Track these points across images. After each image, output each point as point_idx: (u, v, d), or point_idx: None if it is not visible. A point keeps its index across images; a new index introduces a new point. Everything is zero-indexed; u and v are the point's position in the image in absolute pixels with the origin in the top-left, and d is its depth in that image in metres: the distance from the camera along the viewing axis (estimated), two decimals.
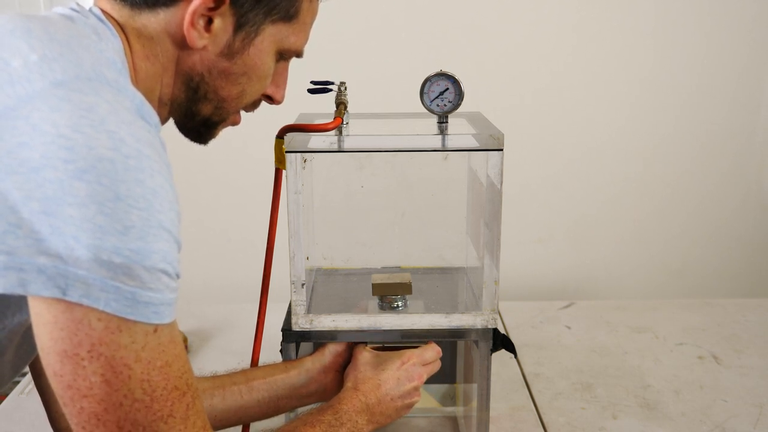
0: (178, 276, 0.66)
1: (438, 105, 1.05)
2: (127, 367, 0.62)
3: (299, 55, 0.87)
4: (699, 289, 2.25)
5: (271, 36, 0.81)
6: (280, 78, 0.88)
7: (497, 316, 1.04)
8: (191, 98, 0.82)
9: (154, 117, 0.68)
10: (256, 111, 0.90)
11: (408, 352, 1.02)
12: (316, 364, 1.06)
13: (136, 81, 0.77)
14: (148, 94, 0.78)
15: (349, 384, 0.99)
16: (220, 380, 1.03)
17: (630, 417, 1.25)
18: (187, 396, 0.67)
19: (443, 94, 1.04)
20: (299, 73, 1.00)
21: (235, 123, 0.88)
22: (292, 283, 1.02)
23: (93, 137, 0.60)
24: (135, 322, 0.62)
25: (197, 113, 0.83)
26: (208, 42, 0.77)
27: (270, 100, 0.89)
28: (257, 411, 1.04)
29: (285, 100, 0.91)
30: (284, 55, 0.85)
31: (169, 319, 0.65)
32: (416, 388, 1.01)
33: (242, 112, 0.88)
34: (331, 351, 1.07)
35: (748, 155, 2.18)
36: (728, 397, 1.32)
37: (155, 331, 0.64)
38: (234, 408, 1.02)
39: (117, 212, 0.60)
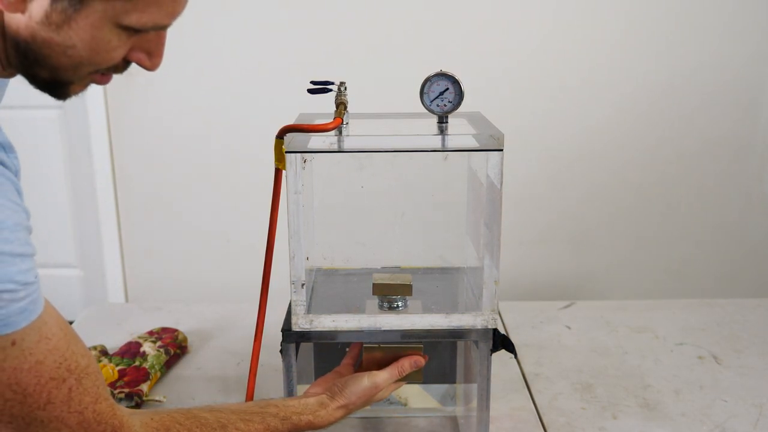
0: (25, 284, 0.66)
1: (438, 105, 1.05)
2: None
3: (161, 28, 0.78)
4: (699, 289, 2.25)
5: (101, 12, 0.72)
6: (149, 45, 0.79)
7: (497, 316, 1.04)
8: (24, 62, 0.76)
9: None
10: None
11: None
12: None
13: None
14: None
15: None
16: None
17: (630, 417, 1.25)
18: (69, 381, 0.70)
19: (443, 94, 1.04)
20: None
21: (100, 83, 0.80)
22: (292, 283, 1.02)
23: None
24: None
25: (36, 76, 0.78)
26: (25, 8, 0.71)
27: (141, 65, 0.81)
28: None
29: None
30: (137, 30, 0.75)
31: (26, 322, 0.67)
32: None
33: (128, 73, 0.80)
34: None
35: (748, 156, 2.18)
36: (728, 397, 1.31)
37: (13, 343, 0.66)
38: None
39: None
